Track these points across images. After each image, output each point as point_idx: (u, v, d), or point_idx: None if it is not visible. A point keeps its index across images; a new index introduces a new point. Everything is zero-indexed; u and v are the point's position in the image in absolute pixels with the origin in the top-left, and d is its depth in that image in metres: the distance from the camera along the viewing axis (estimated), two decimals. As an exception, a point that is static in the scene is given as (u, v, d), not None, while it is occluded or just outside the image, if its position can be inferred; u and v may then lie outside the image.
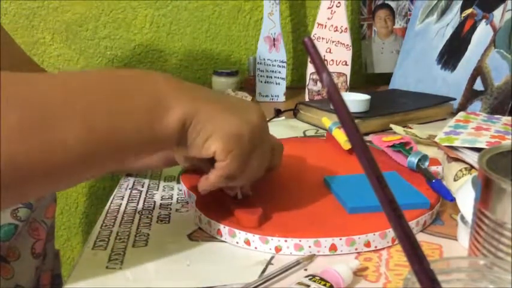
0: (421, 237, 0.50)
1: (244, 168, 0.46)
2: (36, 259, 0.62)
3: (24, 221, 0.58)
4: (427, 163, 0.62)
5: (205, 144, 0.44)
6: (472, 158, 0.59)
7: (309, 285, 0.40)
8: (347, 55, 1.04)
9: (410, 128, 0.82)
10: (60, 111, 0.37)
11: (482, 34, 0.96)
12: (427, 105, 0.93)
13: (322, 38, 1.06)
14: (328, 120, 0.77)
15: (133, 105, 0.41)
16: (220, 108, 0.45)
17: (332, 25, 1.05)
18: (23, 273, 0.60)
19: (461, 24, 1.01)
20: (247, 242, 0.48)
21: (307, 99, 1.09)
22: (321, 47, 1.05)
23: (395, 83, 1.12)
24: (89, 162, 0.39)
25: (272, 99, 1.11)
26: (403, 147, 0.65)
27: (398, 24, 1.23)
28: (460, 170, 0.59)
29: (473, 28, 0.98)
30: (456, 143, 0.62)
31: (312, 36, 1.07)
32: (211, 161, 0.46)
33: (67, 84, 0.39)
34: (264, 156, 0.49)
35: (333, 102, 0.26)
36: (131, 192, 0.62)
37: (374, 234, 0.48)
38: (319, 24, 1.06)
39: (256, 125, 0.46)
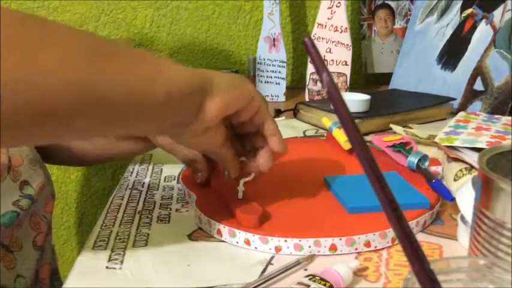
0: (421, 237, 0.50)
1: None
2: (37, 251, 0.63)
3: (25, 211, 0.59)
4: (427, 163, 0.62)
5: (240, 89, 0.46)
6: (472, 158, 0.59)
7: (309, 285, 0.40)
8: (347, 55, 1.04)
9: (410, 128, 0.82)
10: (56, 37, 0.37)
11: (482, 34, 0.96)
12: (427, 105, 0.93)
13: (322, 38, 1.06)
14: (328, 120, 0.77)
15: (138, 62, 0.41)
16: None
17: (332, 25, 1.05)
18: (24, 263, 0.61)
19: (461, 24, 1.01)
20: (247, 242, 0.48)
21: (307, 99, 1.09)
22: (321, 47, 1.05)
23: (395, 83, 1.12)
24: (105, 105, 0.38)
25: (272, 99, 1.11)
26: (403, 147, 0.65)
27: (399, 24, 1.23)
28: (460, 170, 0.59)
29: (473, 28, 0.98)
30: (456, 143, 0.62)
31: (312, 36, 1.07)
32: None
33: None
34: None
35: (333, 102, 0.26)
36: (131, 192, 0.62)
37: (374, 234, 0.48)
38: (319, 24, 1.06)
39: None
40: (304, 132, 0.87)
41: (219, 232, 0.50)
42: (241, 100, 0.47)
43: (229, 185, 0.54)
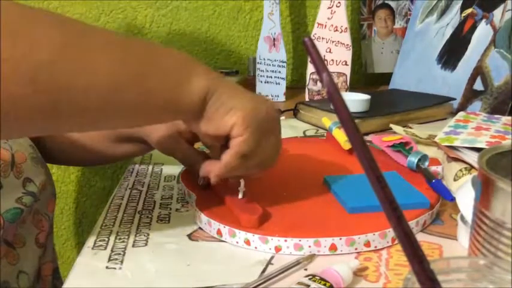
0: (421, 237, 0.50)
1: (258, 147, 0.47)
2: (39, 248, 0.64)
3: (29, 208, 0.59)
4: (427, 163, 0.62)
5: (225, 117, 0.45)
6: (472, 158, 0.59)
7: (309, 285, 0.40)
8: (347, 55, 1.04)
9: (410, 128, 0.82)
10: (94, 41, 0.40)
11: (482, 34, 0.96)
12: (427, 105, 0.93)
13: (322, 38, 1.06)
14: (328, 120, 0.77)
15: (164, 61, 0.44)
16: (239, 89, 0.48)
17: (332, 25, 1.05)
18: (27, 260, 0.61)
19: (461, 24, 1.01)
20: (247, 242, 0.48)
21: (307, 99, 1.09)
22: (321, 47, 1.05)
23: (395, 83, 1.11)
24: (108, 105, 0.40)
25: (272, 99, 1.11)
26: (403, 147, 0.65)
27: (399, 24, 1.23)
28: (460, 170, 0.59)
29: (473, 28, 0.98)
30: (456, 143, 0.62)
31: (312, 36, 1.07)
32: (222, 148, 0.48)
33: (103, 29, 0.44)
34: (278, 141, 0.50)
35: (333, 102, 0.26)
36: (131, 192, 0.62)
37: (374, 234, 0.48)
38: (319, 24, 1.06)
39: (272, 108, 0.49)
40: (304, 132, 0.87)
41: (219, 232, 0.50)
42: (216, 130, 0.47)
43: (229, 185, 0.54)
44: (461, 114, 0.76)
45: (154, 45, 0.46)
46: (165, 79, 0.43)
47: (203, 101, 0.45)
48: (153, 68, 0.43)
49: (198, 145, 0.59)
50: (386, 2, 1.23)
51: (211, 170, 0.49)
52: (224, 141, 0.48)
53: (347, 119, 0.26)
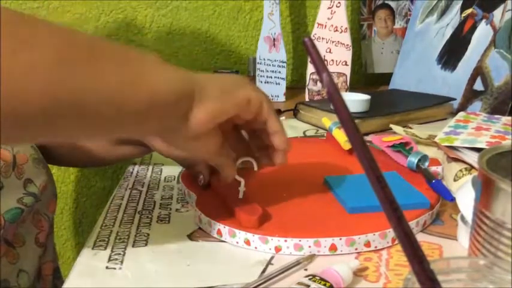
0: (421, 237, 0.50)
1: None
2: (39, 248, 0.64)
3: (30, 208, 0.59)
4: (427, 163, 0.62)
5: (235, 93, 0.45)
6: (472, 158, 0.59)
7: (309, 285, 0.40)
8: (347, 55, 1.04)
9: (410, 128, 0.82)
10: (97, 51, 0.38)
11: (482, 34, 0.96)
12: (427, 105, 0.93)
13: (322, 38, 1.06)
14: (328, 120, 0.77)
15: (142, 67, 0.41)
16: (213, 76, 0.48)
17: (332, 25, 1.05)
18: (27, 259, 0.61)
19: (461, 24, 1.01)
20: (247, 242, 0.48)
21: (307, 99, 1.09)
22: (321, 47, 1.05)
23: (395, 83, 1.11)
24: (118, 115, 0.38)
25: (272, 99, 1.11)
26: (403, 147, 0.65)
27: (399, 24, 1.23)
28: (460, 170, 0.59)
29: (473, 28, 0.98)
30: (456, 143, 0.62)
31: (312, 36, 1.07)
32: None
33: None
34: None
35: (333, 102, 0.26)
36: (131, 192, 0.62)
37: (374, 234, 0.48)
38: (319, 24, 1.06)
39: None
40: (304, 132, 0.87)
41: (219, 232, 0.50)
42: (233, 107, 0.45)
43: (229, 185, 0.54)
44: (461, 114, 0.76)
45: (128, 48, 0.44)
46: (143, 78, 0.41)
47: (189, 87, 0.42)
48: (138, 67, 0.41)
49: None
50: (386, 2, 1.23)
51: (282, 147, 0.50)
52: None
53: (347, 119, 0.26)
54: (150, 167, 0.70)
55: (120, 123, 0.40)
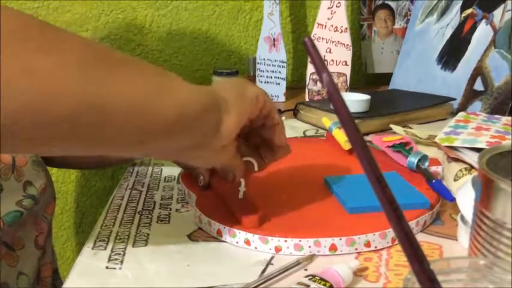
0: (421, 237, 0.50)
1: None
2: (38, 250, 0.64)
3: (29, 210, 0.59)
4: (427, 163, 0.62)
5: (246, 98, 0.46)
6: (472, 158, 0.59)
7: (309, 285, 0.40)
8: (347, 55, 1.04)
9: (410, 128, 0.82)
10: (108, 60, 0.37)
11: (482, 34, 0.96)
12: (427, 105, 0.93)
13: (322, 38, 1.06)
14: (328, 120, 0.77)
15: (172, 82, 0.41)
16: (224, 83, 0.49)
17: (332, 25, 1.05)
18: (26, 262, 0.61)
19: (461, 24, 1.01)
20: (247, 242, 0.48)
21: (307, 99, 1.09)
22: (321, 47, 1.05)
23: (395, 83, 1.11)
24: (122, 122, 0.36)
25: (272, 99, 1.10)
26: (403, 148, 0.65)
27: (399, 24, 1.23)
28: (460, 170, 0.59)
29: (473, 28, 0.98)
30: (456, 143, 0.62)
31: (312, 36, 1.07)
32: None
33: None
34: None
35: (333, 102, 0.26)
36: (131, 192, 0.62)
37: (374, 234, 0.48)
38: (319, 24, 1.06)
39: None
40: (304, 132, 0.87)
41: (219, 232, 0.50)
42: (250, 107, 0.46)
43: (229, 185, 0.54)
44: (461, 114, 0.76)
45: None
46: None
47: (216, 99, 0.43)
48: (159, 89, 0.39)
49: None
50: (386, 2, 1.23)
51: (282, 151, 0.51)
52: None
53: (347, 119, 0.26)
54: (150, 167, 0.70)
55: (148, 136, 0.38)
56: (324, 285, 0.40)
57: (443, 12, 1.06)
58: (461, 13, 1.02)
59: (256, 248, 0.48)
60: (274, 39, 1.09)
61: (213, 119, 0.42)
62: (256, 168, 0.53)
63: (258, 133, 0.52)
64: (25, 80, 0.31)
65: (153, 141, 0.39)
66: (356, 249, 0.47)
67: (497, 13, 0.94)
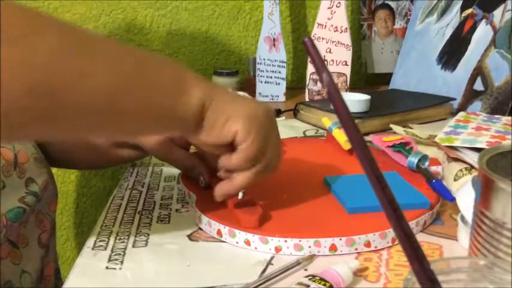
0: (421, 237, 0.50)
1: (263, 148, 0.47)
2: (42, 249, 0.64)
3: (31, 207, 0.59)
4: (427, 163, 0.61)
5: (225, 125, 0.45)
6: (472, 158, 0.59)
7: (309, 285, 0.40)
8: (347, 55, 1.04)
9: (410, 128, 0.82)
10: (94, 45, 0.40)
11: (482, 34, 0.96)
12: (427, 105, 0.93)
13: (322, 38, 1.06)
14: (328, 120, 0.77)
15: (158, 70, 0.43)
16: (234, 96, 0.48)
17: (332, 25, 1.05)
18: (29, 260, 0.61)
19: (461, 24, 1.01)
20: (247, 242, 0.48)
21: (307, 99, 1.09)
22: (321, 47, 1.05)
23: (395, 83, 1.11)
24: (107, 111, 0.40)
25: (272, 99, 1.11)
26: (403, 147, 0.65)
27: (399, 24, 1.23)
28: (460, 170, 0.59)
29: (473, 28, 0.98)
30: (456, 143, 0.62)
31: (312, 36, 1.07)
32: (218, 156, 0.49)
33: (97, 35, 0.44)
34: (279, 139, 0.50)
35: (333, 102, 0.26)
36: (131, 192, 0.62)
37: (374, 234, 0.48)
38: (319, 24, 1.06)
39: (268, 109, 0.49)
40: (304, 132, 0.87)
41: (219, 232, 0.50)
42: (217, 140, 0.47)
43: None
44: (461, 114, 0.76)
45: (148, 53, 0.46)
46: (163, 89, 0.43)
47: (201, 112, 0.44)
48: (151, 77, 0.42)
49: (192, 148, 0.60)
50: (386, 2, 1.23)
51: (229, 187, 0.50)
52: (223, 150, 0.48)
53: (347, 119, 0.26)
54: (150, 168, 0.70)
55: (151, 129, 0.46)
56: (324, 285, 0.40)
57: (443, 12, 1.06)
58: (461, 13, 1.02)
59: (256, 248, 0.48)
60: (274, 39, 1.09)
61: (194, 122, 0.45)
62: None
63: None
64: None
65: (155, 130, 0.48)
66: (356, 249, 0.47)
67: (497, 13, 0.94)
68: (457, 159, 0.61)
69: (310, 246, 0.47)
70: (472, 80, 0.95)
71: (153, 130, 0.48)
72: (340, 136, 0.71)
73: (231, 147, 0.47)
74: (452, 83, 0.99)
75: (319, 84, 1.07)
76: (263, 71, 1.10)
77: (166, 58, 0.46)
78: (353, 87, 1.07)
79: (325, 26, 1.05)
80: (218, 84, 1.12)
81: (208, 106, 0.45)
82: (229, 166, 0.48)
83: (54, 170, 0.68)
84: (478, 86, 0.94)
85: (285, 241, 0.47)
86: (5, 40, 0.33)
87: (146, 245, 0.49)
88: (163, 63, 0.45)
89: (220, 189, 0.50)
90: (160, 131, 0.50)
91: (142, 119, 0.43)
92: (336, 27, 1.04)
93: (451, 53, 1.01)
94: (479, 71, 0.94)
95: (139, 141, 0.60)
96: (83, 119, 0.39)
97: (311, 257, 0.46)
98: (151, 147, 0.59)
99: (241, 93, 1.05)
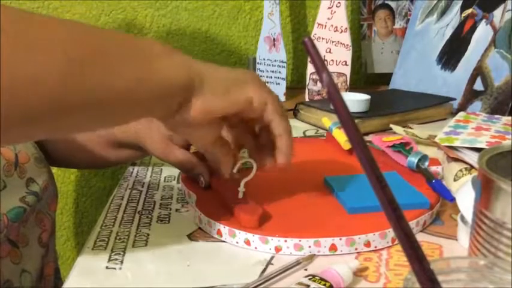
0: (421, 237, 0.50)
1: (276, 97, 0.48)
2: (42, 248, 0.64)
3: (32, 207, 0.60)
4: (427, 163, 0.61)
5: (231, 92, 0.45)
6: (472, 158, 0.59)
7: (308, 285, 0.40)
8: (347, 55, 1.04)
9: (410, 128, 0.82)
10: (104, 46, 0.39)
11: (482, 34, 0.96)
12: (427, 105, 0.93)
13: (322, 38, 1.06)
14: (328, 120, 0.77)
15: (123, 43, 0.42)
16: (217, 66, 0.48)
17: (332, 25, 1.04)
18: (30, 259, 0.61)
19: (461, 24, 1.01)
20: (247, 242, 0.48)
21: (307, 99, 1.09)
22: (321, 47, 1.05)
23: (395, 83, 1.11)
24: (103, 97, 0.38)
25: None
26: (403, 147, 0.65)
27: (398, 24, 1.23)
28: (460, 170, 0.59)
29: (473, 28, 0.98)
30: (456, 143, 0.62)
31: (312, 36, 1.07)
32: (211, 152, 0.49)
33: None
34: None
35: (333, 102, 0.26)
36: (131, 192, 0.62)
37: (374, 234, 0.48)
38: (319, 24, 1.06)
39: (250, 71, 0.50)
40: (304, 132, 0.87)
41: (219, 232, 0.50)
42: (231, 106, 0.45)
43: (229, 186, 0.54)
44: (461, 114, 0.76)
45: (113, 31, 0.46)
46: (127, 60, 0.41)
47: (186, 82, 0.42)
48: (113, 51, 0.40)
49: (192, 148, 0.60)
50: (386, 2, 1.23)
51: (287, 145, 0.50)
52: (215, 129, 0.47)
53: (347, 119, 0.26)
54: (150, 167, 0.70)
55: (128, 115, 0.42)
56: (324, 285, 0.40)
57: (443, 12, 1.06)
58: (461, 13, 1.02)
59: (256, 248, 0.48)
60: (274, 39, 1.09)
61: (180, 97, 0.43)
62: (254, 169, 0.53)
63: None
64: None
65: (132, 117, 0.44)
66: (356, 249, 0.47)
67: (497, 13, 0.94)
68: (457, 159, 0.61)
69: (310, 246, 0.47)
70: (472, 80, 0.95)
71: (130, 111, 0.43)
72: (340, 136, 0.71)
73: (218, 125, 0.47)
74: (452, 83, 0.99)
75: (319, 84, 1.07)
76: (263, 71, 1.10)
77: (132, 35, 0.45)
78: (353, 87, 1.07)
79: (325, 26, 1.05)
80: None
81: (193, 76, 0.43)
82: (279, 131, 0.48)
83: (54, 170, 0.68)
84: (478, 86, 0.94)
85: (285, 241, 0.47)
86: (5, 41, 0.33)
87: (146, 245, 0.49)
88: (127, 37, 0.44)
89: (284, 146, 0.50)
90: (139, 111, 0.44)
91: (111, 100, 0.40)
92: (336, 27, 1.04)
93: (451, 53, 1.01)
94: (479, 71, 0.94)
95: (139, 141, 0.60)
96: (100, 118, 0.40)
97: (311, 257, 0.46)
98: (152, 146, 0.59)
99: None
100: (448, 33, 1.03)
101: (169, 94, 0.42)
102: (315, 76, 1.07)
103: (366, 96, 0.87)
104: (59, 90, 0.36)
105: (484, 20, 0.96)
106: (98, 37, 0.40)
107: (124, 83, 0.39)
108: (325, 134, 0.80)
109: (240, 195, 0.52)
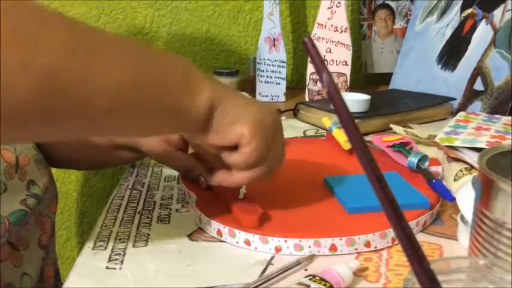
0: (421, 237, 0.50)
1: (266, 156, 0.47)
2: (42, 250, 0.64)
3: (32, 210, 0.59)
4: (427, 163, 0.61)
5: (232, 127, 0.45)
6: (472, 158, 0.59)
7: (309, 285, 0.40)
8: (347, 55, 1.04)
9: (410, 128, 0.82)
10: (100, 43, 0.39)
11: (482, 34, 0.96)
12: (427, 105, 0.93)
13: (322, 38, 1.06)
14: (328, 120, 0.77)
15: (167, 68, 0.43)
16: (243, 98, 0.48)
17: (332, 25, 1.04)
18: (30, 262, 0.61)
19: (461, 24, 1.01)
20: (247, 242, 0.48)
21: (307, 99, 1.09)
22: (321, 47, 1.05)
23: (395, 83, 1.11)
24: (115, 109, 0.39)
25: (272, 99, 1.11)
26: (403, 147, 0.65)
27: (398, 24, 1.23)
28: (460, 170, 0.59)
29: (473, 28, 0.98)
30: (456, 143, 0.62)
31: (312, 36, 1.07)
32: (220, 156, 0.48)
33: (105, 32, 0.43)
34: (282, 148, 0.50)
35: (333, 102, 0.26)
36: (131, 192, 0.62)
37: (374, 234, 0.48)
38: (319, 24, 1.06)
39: (277, 116, 0.49)
40: (304, 132, 0.87)
41: (219, 232, 0.50)
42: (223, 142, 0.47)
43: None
44: (461, 114, 0.76)
45: (157, 49, 0.46)
46: (171, 88, 0.42)
47: (209, 112, 0.44)
48: (159, 75, 0.42)
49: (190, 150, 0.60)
50: (386, 2, 1.23)
51: (226, 179, 0.50)
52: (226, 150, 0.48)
53: (347, 119, 0.26)
54: (150, 168, 0.70)
55: (164, 128, 0.46)
56: (324, 285, 0.40)
57: (443, 12, 1.06)
58: (461, 13, 1.02)
59: (256, 248, 0.48)
60: (274, 39, 1.09)
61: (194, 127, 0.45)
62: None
63: None
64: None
65: (167, 130, 0.49)
66: (356, 249, 0.47)
67: (497, 13, 0.94)
68: (457, 159, 0.61)
69: (310, 246, 0.47)
70: (472, 80, 0.95)
71: (160, 129, 0.47)
72: (340, 136, 0.71)
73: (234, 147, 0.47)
74: (452, 83, 0.99)
75: (319, 84, 1.07)
76: (263, 71, 1.10)
77: (175, 55, 0.45)
78: (353, 87, 1.07)
79: (325, 26, 1.05)
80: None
81: (216, 107, 0.44)
82: (227, 162, 0.48)
83: (54, 170, 0.68)
84: (478, 86, 0.94)
85: (285, 241, 0.47)
86: (11, 36, 0.33)
87: (146, 245, 0.49)
88: (172, 61, 0.44)
89: (218, 176, 0.50)
90: (166, 131, 0.49)
91: (149, 119, 0.42)
92: (336, 27, 1.04)
93: (451, 53, 1.01)
94: (479, 71, 0.94)
95: (137, 143, 0.60)
96: (87, 118, 0.38)
97: (311, 257, 0.46)
98: (149, 149, 0.59)
99: (241, 93, 1.06)
100: (448, 33, 1.03)
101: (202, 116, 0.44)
102: (315, 76, 1.07)
103: (366, 96, 0.87)
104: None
105: (484, 20, 0.96)
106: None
107: (163, 109, 0.42)
108: (325, 134, 0.80)
109: (240, 195, 0.52)
